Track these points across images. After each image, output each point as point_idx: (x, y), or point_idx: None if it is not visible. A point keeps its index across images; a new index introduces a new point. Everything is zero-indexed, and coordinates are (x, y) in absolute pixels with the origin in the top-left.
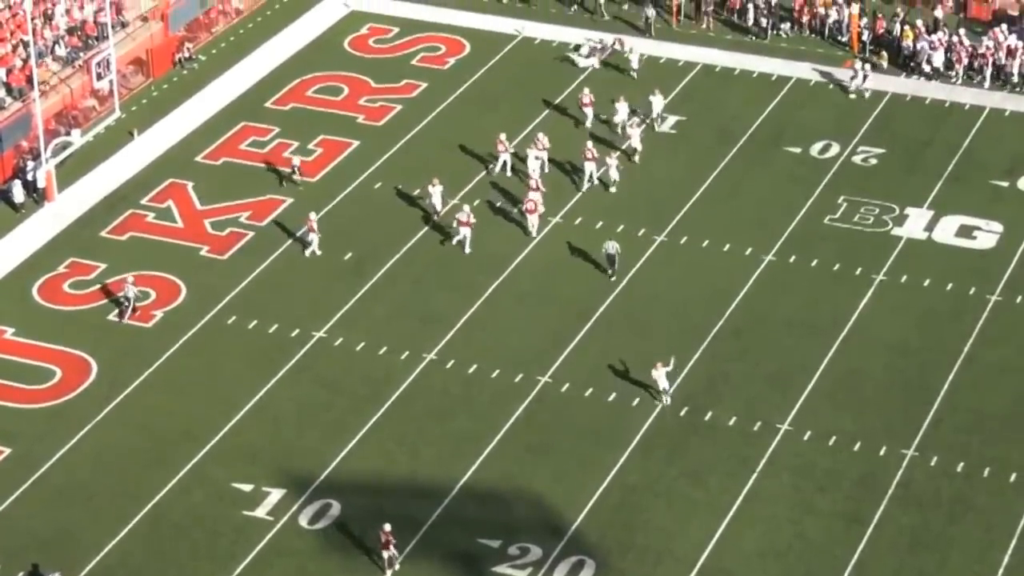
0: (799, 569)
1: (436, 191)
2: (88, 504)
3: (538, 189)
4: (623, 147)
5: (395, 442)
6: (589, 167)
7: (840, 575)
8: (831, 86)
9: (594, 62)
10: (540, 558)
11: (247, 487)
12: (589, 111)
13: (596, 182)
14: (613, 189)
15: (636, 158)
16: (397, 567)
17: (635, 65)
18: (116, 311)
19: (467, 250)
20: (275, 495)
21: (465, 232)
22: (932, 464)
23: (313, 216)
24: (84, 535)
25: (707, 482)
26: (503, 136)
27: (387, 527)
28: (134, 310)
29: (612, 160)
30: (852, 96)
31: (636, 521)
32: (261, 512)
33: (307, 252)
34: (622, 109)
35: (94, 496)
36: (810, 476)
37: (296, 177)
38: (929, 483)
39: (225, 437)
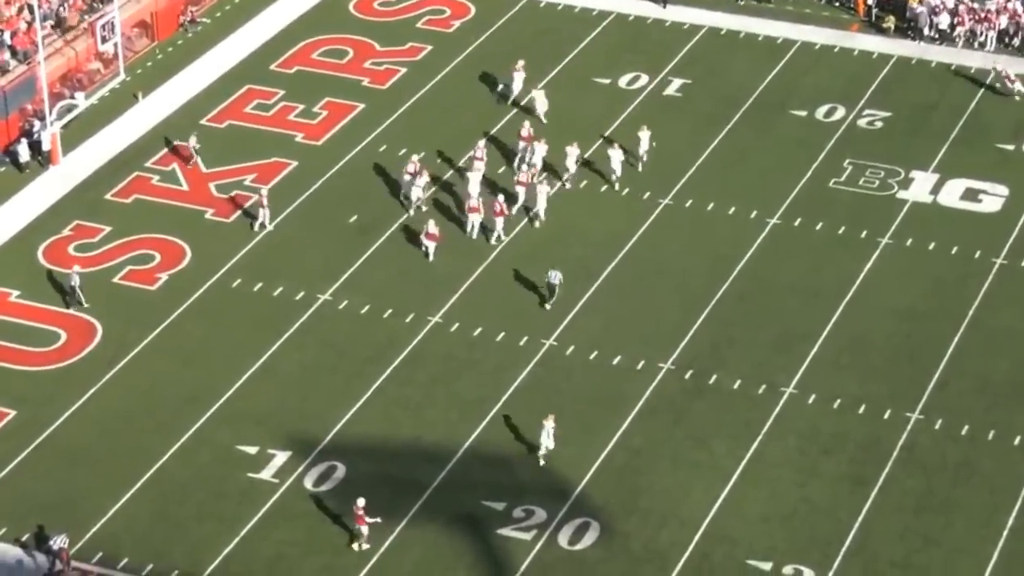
0: (803, 532)
1: (420, 182)
2: (93, 467)
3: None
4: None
5: (400, 405)
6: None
7: (844, 538)
8: (836, 49)
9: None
10: (544, 520)
11: (252, 449)
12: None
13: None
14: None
15: (536, 223)
16: (366, 546)
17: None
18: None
19: (431, 259)
20: (280, 457)
21: (429, 245)
22: (937, 427)
23: (264, 191)
24: (89, 498)
25: (711, 445)
26: (528, 128)
27: (361, 503)
28: (79, 303)
29: (615, 152)
30: (1017, 98)
31: (640, 484)
32: (266, 474)
33: (255, 225)
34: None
35: (99, 459)
36: (815, 439)
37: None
38: (934, 446)
39: (230, 400)
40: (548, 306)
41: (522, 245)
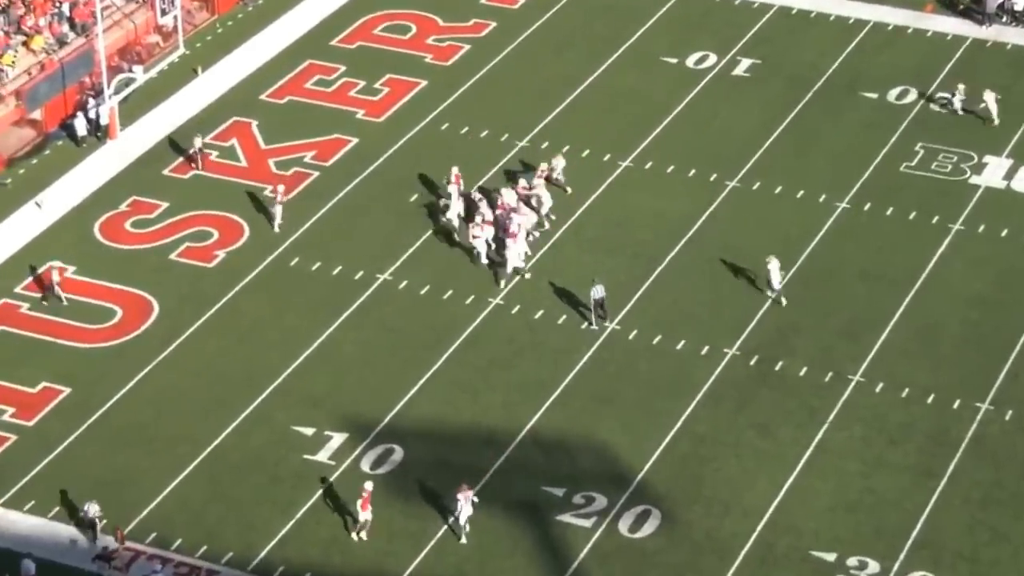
0: (869, 523)
1: (453, 192)
2: (147, 447)
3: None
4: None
5: (459, 388)
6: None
7: (911, 530)
8: (909, 30)
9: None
10: (605, 508)
11: (309, 431)
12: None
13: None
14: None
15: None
16: (364, 536)
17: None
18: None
19: (483, 261)
20: (337, 439)
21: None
22: (1007, 418)
23: (281, 188)
24: (143, 478)
25: (776, 433)
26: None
27: (368, 486)
28: (58, 297)
29: None
30: None
31: (703, 472)
32: (323, 456)
33: (276, 226)
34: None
35: (153, 439)
36: (882, 429)
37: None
38: (1004, 438)
39: (287, 380)
40: (596, 326)
41: (585, 227)
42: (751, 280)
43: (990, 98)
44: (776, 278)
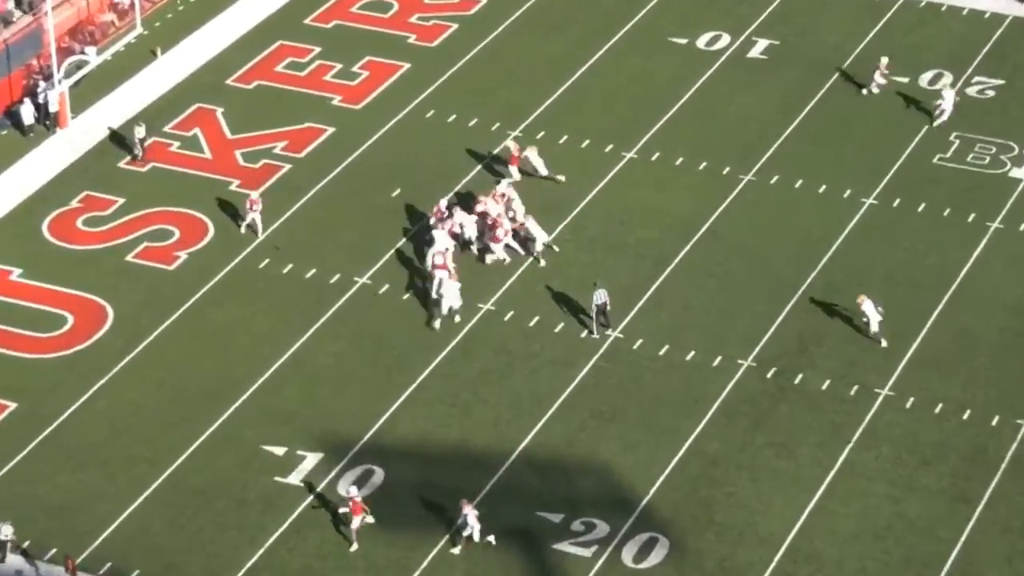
0: (898, 553)
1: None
2: (102, 468)
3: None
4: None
5: (446, 403)
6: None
7: (944, 560)
8: (943, 8)
9: None
10: (607, 535)
11: (279, 451)
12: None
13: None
14: None
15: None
16: (356, 546)
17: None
18: None
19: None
20: (311, 460)
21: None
22: None
23: (255, 195)
24: (97, 502)
25: (796, 453)
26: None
27: (354, 492)
28: None
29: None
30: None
31: (715, 496)
32: (295, 479)
33: (243, 227)
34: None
35: (108, 459)
36: (912, 448)
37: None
38: None
39: (255, 395)
40: (596, 334)
41: (585, 225)
42: (768, 284)
43: (949, 96)
44: (875, 319)
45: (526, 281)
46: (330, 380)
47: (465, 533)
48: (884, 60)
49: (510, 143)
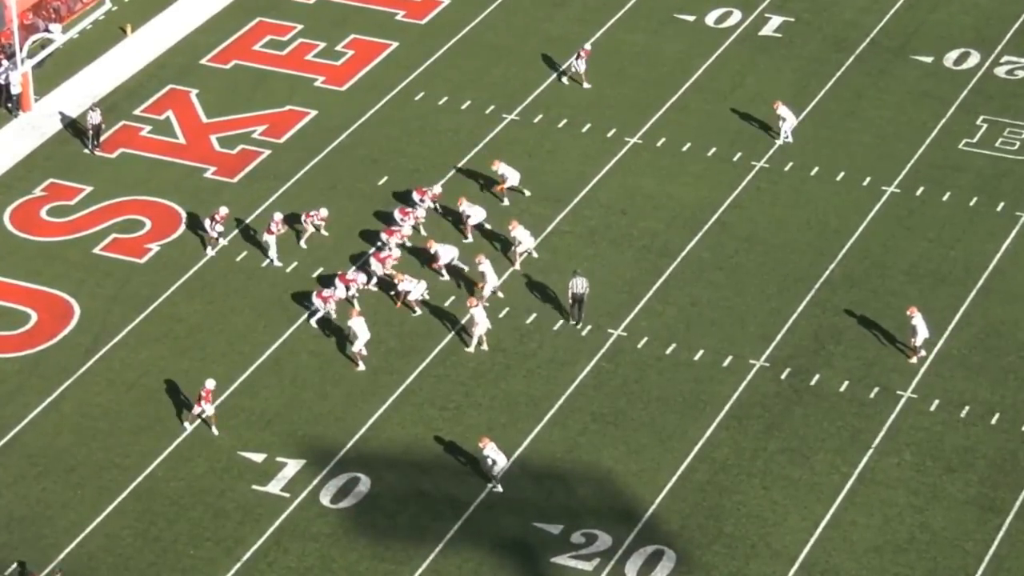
0: (921, 566)
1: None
2: (67, 476)
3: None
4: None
5: (436, 406)
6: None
7: (971, 574)
8: None
9: None
10: (609, 548)
11: (258, 457)
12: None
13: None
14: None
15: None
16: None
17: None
18: None
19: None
20: (292, 467)
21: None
22: None
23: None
24: (62, 513)
25: (812, 460)
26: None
27: (209, 384)
28: None
29: None
30: None
31: (725, 506)
32: (275, 487)
33: (210, 250)
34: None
35: (74, 466)
36: (937, 455)
37: None
38: None
39: (232, 397)
40: (576, 323)
41: (585, 215)
42: (782, 278)
43: (786, 113)
44: (923, 335)
45: (522, 276)
46: (312, 382)
47: (495, 471)
48: (587, 48)
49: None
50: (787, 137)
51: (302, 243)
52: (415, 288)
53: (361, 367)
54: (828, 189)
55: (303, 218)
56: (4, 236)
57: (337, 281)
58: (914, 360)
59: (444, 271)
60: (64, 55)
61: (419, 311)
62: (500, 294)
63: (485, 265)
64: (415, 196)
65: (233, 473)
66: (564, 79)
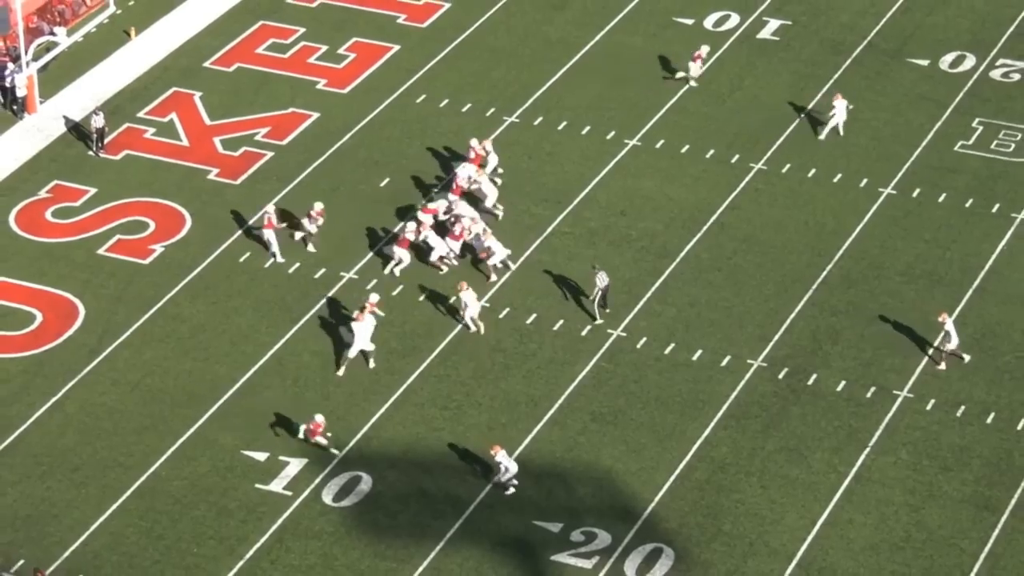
0: (918, 565)
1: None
2: (72, 475)
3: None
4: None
5: (437, 406)
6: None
7: (967, 572)
8: None
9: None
10: (608, 546)
11: (261, 456)
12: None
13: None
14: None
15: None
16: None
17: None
18: None
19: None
20: (294, 466)
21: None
22: None
23: (271, 209)
24: (67, 511)
25: (809, 459)
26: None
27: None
28: None
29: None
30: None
31: (723, 504)
32: (277, 486)
33: (268, 262)
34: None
35: (79, 466)
36: (933, 454)
37: None
38: None
39: (235, 397)
40: (601, 319)
41: (584, 216)
42: (779, 279)
43: (840, 107)
44: (955, 340)
45: (522, 276)
46: (314, 381)
47: (505, 478)
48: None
49: (474, 142)
50: (833, 131)
51: (310, 247)
52: (499, 251)
53: (479, 330)
54: (825, 191)
55: (305, 220)
56: (9, 237)
57: (420, 214)
58: (943, 366)
59: (449, 259)
60: (69, 58)
61: (494, 277)
62: (511, 264)
63: (491, 240)
64: (420, 214)
65: (236, 472)
66: (692, 82)
